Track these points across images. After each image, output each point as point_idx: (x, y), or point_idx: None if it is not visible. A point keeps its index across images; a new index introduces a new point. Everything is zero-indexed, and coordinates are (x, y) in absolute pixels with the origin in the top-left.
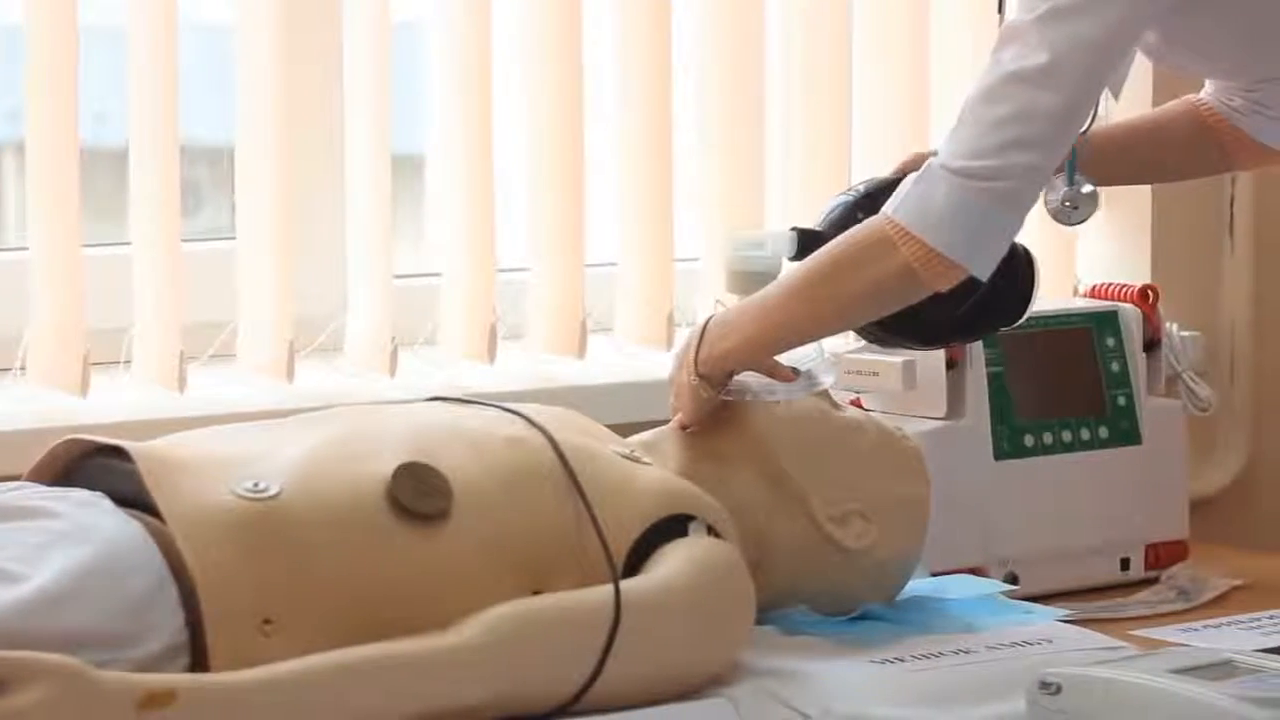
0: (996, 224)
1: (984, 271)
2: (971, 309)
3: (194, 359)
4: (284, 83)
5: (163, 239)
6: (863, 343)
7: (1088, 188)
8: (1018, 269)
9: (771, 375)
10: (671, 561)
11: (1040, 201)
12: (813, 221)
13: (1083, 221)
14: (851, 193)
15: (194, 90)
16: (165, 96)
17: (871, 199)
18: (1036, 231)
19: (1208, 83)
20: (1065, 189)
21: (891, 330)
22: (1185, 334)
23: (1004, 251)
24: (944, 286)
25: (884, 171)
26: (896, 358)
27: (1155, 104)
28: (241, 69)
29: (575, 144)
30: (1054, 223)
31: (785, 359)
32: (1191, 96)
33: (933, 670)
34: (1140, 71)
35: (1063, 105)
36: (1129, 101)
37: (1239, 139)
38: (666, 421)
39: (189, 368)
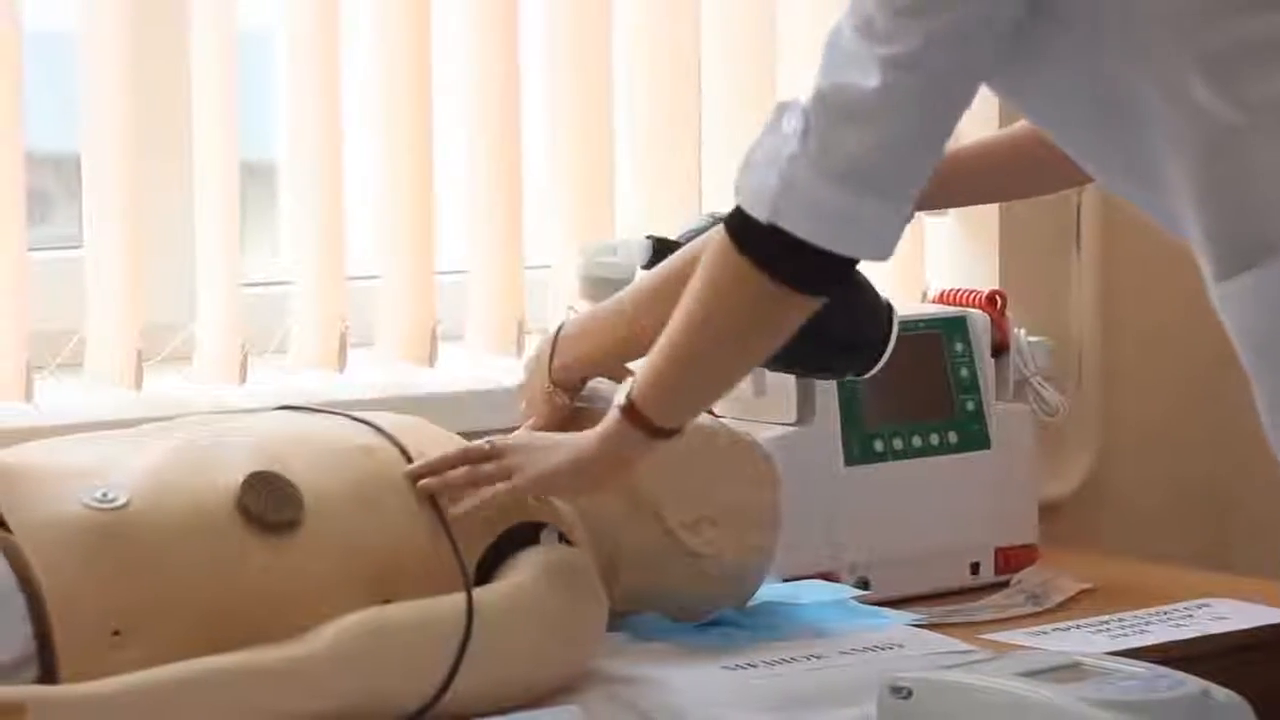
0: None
1: None
2: (828, 351)
3: (41, 368)
4: (130, 89)
5: (9, 248)
6: None
7: None
8: (879, 317)
9: (623, 382)
10: (523, 569)
11: None
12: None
13: None
14: (707, 218)
15: (40, 97)
16: (10, 104)
17: None
18: None
19: None
20: None
21: None
22: (1033, 339)
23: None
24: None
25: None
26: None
27: (1004, 125)
28: (86, 76)
29: (424, 151)
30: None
31: (636, 366)
32: None
33: (785, 675)
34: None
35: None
36: (979, 124)
37: None
38: (517, 429)
39: (36, 377)
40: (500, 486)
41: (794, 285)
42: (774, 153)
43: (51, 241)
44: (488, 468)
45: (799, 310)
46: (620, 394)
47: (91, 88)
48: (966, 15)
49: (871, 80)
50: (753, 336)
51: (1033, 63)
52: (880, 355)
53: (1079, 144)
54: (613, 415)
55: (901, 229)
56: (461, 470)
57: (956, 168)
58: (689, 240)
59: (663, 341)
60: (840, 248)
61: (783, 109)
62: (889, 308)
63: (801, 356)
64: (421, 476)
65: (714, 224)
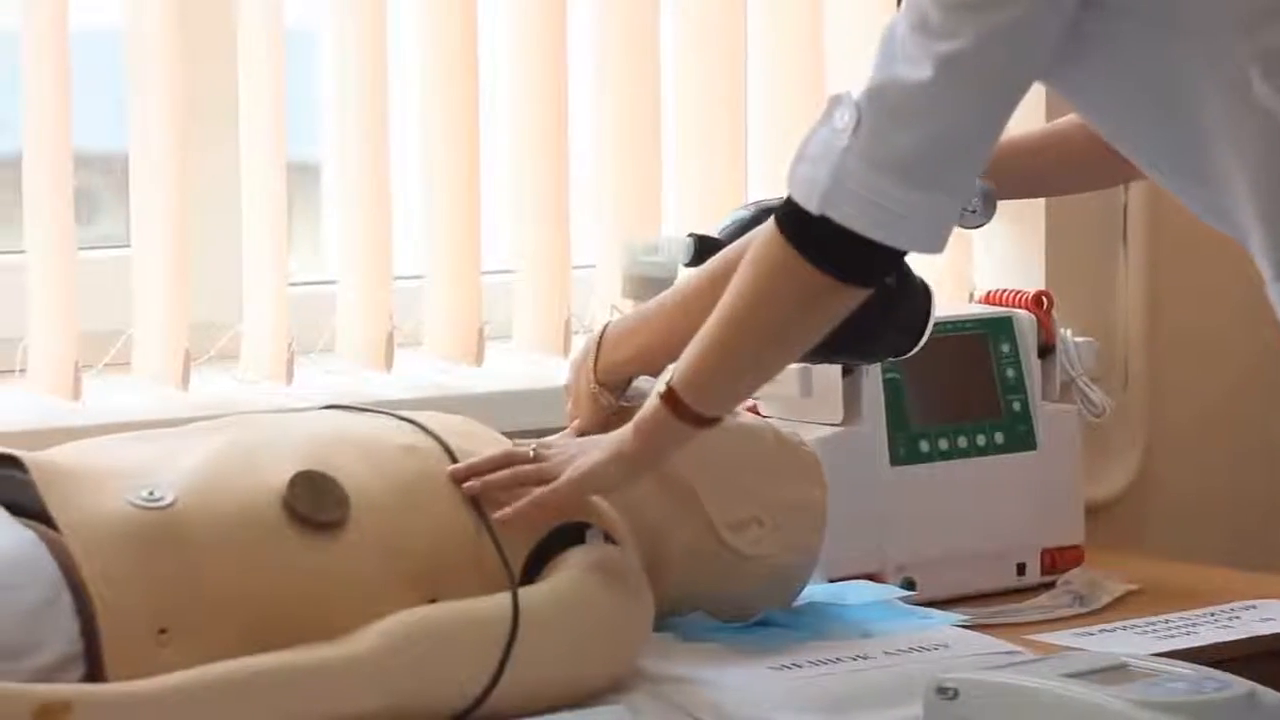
0: None
1: None
2: (864, 334)
3: (89, 367)
4: (178, 89)
5: (57, 247)
6: None
7: (986, 190)
8: (915, 300)
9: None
10: (569, 569)
11: None
12: (710, 232)
13: (981, 225)
14: (750, 207)
15: (89, 97)
16: (58, 103)
17: (770, 214)
18: None
19: None
20: None
21: None
22: (1079, 340)
23: None
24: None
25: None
26: (793, 364)
27: (1050, 118)
28: (134, 75)
29: (471, 151)
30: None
31: None
32: None
33: (830, 675)
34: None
35: None
36: (1024, 115)
37: None
38: (564, 428)
39: (84, 376)
40: (542, 490)
41: (842, 276)
42: (826, 145)
43: (99, 241)
44: (528, 469)
45: (846, 301)
46: (660, 381)
47: (139, 87)
48: (1021, 11)
49: (925, 75)
50: (797, 326)
51: (1087, 57)
52: (919, 337)
53: (1132, 139)
54: (652, 402)
55: (953, 222)
56: (503, 473)
57: (1005, 158)
58: (731, 231)
59: (706, 328)
60: (891, 240)
61: (835, 102)
62: (925, 287)
63: (840, 344)
64: (463, 478)
65: (756, 214)
